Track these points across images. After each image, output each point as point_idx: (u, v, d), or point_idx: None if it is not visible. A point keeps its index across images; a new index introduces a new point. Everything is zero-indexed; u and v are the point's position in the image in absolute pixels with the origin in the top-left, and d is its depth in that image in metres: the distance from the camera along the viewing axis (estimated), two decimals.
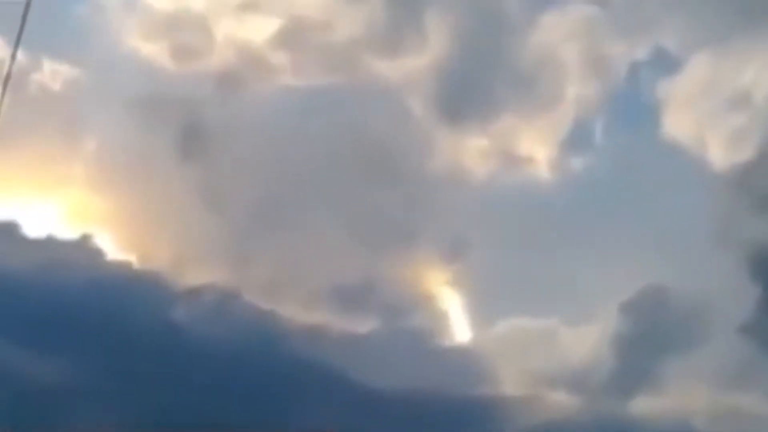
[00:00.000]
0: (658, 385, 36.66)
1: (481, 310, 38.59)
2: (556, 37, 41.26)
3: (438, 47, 40.37)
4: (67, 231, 36.79)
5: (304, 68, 40.25)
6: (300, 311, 36.57)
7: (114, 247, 36.94)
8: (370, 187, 39.09)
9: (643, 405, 36.04)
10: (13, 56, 11.34)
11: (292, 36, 39.95)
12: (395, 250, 39.37)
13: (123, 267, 36.26)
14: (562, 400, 36.58)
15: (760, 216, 37.35)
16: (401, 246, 39.35)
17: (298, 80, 40.24)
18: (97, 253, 36.26)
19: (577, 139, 41.02)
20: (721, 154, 39.56)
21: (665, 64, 41.07)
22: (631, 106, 42.04)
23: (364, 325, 37.22)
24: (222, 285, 36.67)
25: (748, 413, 34.71)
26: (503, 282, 38.73)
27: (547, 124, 41.05)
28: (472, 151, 40.66)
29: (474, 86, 40.36)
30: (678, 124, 40.38)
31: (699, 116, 40.61)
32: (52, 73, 38.96)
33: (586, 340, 37.95)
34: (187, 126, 38.56)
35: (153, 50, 39.37)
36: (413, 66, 40.54)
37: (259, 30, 39.81)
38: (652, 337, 37.13)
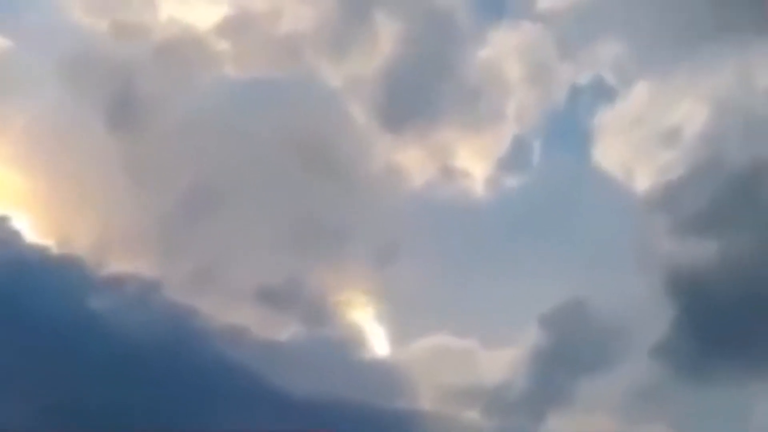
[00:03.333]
0: (569, 407, 36.87)
1: (403, 324, 38.27)
2: (503, 52, 41.26)
3: (385, 52, 40.00)
4: None
5: (246, 59, 39.41)
6: (222, 309, 35.73)
7: (33, 230, 35.59)
8: (304, 185, 38.44)
9: (553, 427, 36.35)
10: None
11: (237, 25, 39.11)
12: (324, 252, 38.79)
13: (41, 251, 34.94)
14: (475, 419, 36.62)
15: (678, 239, 38.12)
16: (330, 248, 38.79)
17: (239, 70, 39.43)
18: (14, 236, 34.89)
19: (514, 158, 41.25)
20: (646, 182, 40.21)
21: (603, 91, 41.67)
22: (568, 130, 42.46)
23: (285, 329, 36.68)
24: (144, 275, 35.72)
25: None
26: (427, 296, 38.34)
27: (486, 139, 41.05)
28: (409, 160, 40.38)
29: (417, 95, 40.02)
30: (609, 152, 41.03)
31: (629, 147, 41.19)
32: None
33: (504, 359, 38.11)
34: (119, 96, 37.42)
35: (93, 24, 38.05)
36: (358, 68, 40.07)
37: (204, 15, 38.93)
38: (567, 355, 37.40)
